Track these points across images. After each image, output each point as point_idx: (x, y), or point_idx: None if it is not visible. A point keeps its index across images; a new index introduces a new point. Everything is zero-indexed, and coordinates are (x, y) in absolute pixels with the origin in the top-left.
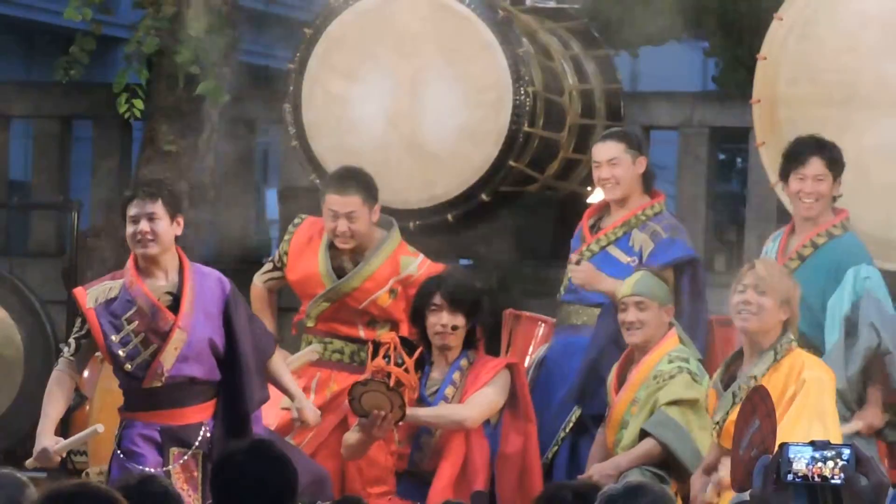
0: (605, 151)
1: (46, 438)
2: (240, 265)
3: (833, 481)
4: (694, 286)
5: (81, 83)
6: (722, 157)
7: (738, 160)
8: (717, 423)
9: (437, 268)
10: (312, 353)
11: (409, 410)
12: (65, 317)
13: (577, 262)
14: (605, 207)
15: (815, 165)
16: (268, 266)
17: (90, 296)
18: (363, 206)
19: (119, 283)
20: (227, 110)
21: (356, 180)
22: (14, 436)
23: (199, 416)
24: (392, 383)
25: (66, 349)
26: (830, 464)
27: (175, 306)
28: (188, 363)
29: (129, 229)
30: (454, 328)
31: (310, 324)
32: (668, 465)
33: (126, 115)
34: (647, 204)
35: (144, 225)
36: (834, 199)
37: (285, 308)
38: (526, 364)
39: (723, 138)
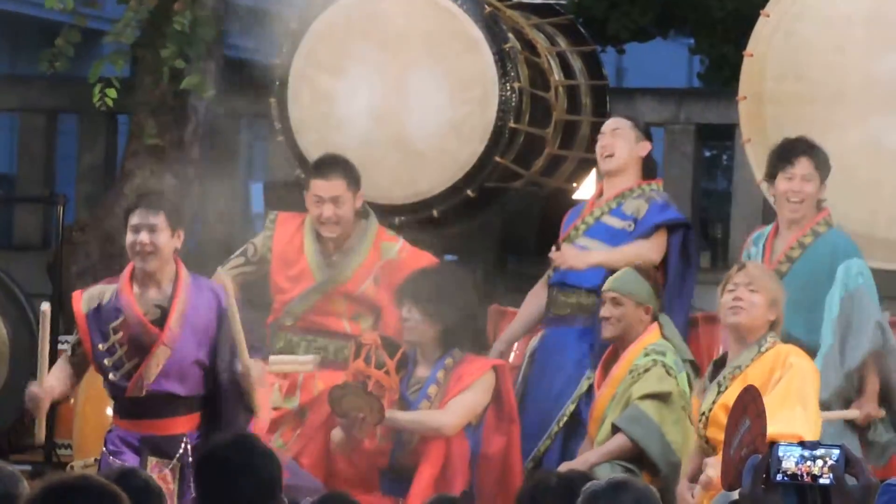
0: (612, 123)
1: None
2: (224, 259)
3: (822, 481)
4: (683, 249)
5: (67, 77)
6: (708, 153)
7: (724, 157)
8: (703, 413)
9: (418, 253)
10: (310, 365)
11: (388, 413)
12: (50, 311)
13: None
14: (601, 191)
15: (804, 165)
16: (238, 260)
17: (84, 300)
18: (347, 191)
19: (113, 288)
20: (212, 105)
21: (340, 166)
22: None
23: (181, 427)
24: (371, 386)
25: (66, 353)
26: (820, 463)
27: (163, 320)
28: (170, 380)
29: (129, 238)
30: (405, 320)
31: (289, 322)
32: (640, 459)
33: (98, 105)
34: (643, 182)
35: (145, 236)
36: (819, 202)
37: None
38: (511, 360)
39: (709, 135)
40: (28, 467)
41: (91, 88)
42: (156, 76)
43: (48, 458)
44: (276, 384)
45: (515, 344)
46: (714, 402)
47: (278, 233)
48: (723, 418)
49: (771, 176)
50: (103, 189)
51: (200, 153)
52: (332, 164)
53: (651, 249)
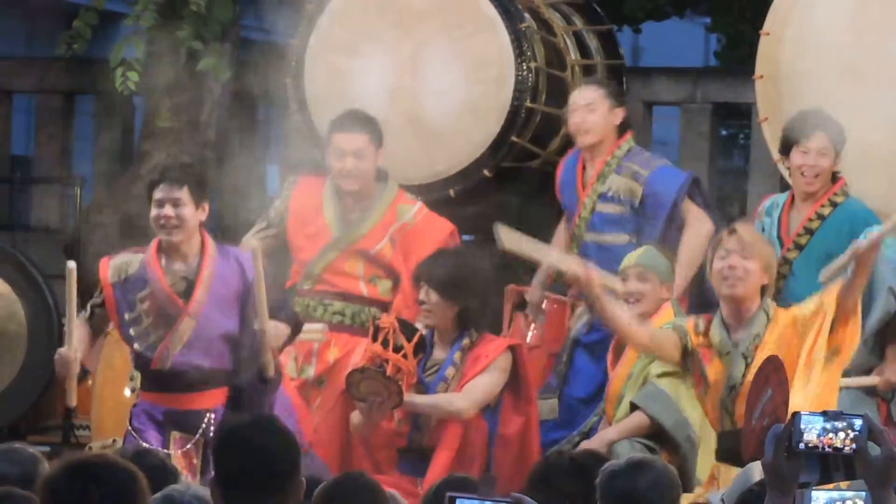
0: (583, 96)
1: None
2: (240, 240)
3: (844, 452)
4: (704, 200)
5: (84, 58)
6: (725, 132)
7: (741, 136)
8: (733, 386)
9: (433, 217)
10: (319, 335)
11: (407, 397)
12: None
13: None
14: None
15: (819, 140)
16: (261, 225)
17: (112, 269)
18: (369, 144)
19: (140, 258)
20: (228, 86)
21: (362, 120)
22: (17, 410)
23: (206, 402)
24: (390, 370)
25: (83, 312)
26: (842, 434)
27: (189, 292)
28: (194, 352)
29: (154, 212)
30: (422, 303)
31: (307, 285)
32: (659, 436)
33: (120, 89)
34: (613, 146)
35: (169, 210)
36: (833, 175)
37: None
38: (528, 340)
39: (726, 114)
40: (46, 448)
41: (108, 70)
42: (171, 57)
43: (66, 438)
44: (291, 353)
45: (533, 325)
46: (744, 376)
47: (296, 192)
48: None
49: (785, 149)
50: (120, 170)
51: (216, 134)
52: (355, 119)
53: (701, 224)
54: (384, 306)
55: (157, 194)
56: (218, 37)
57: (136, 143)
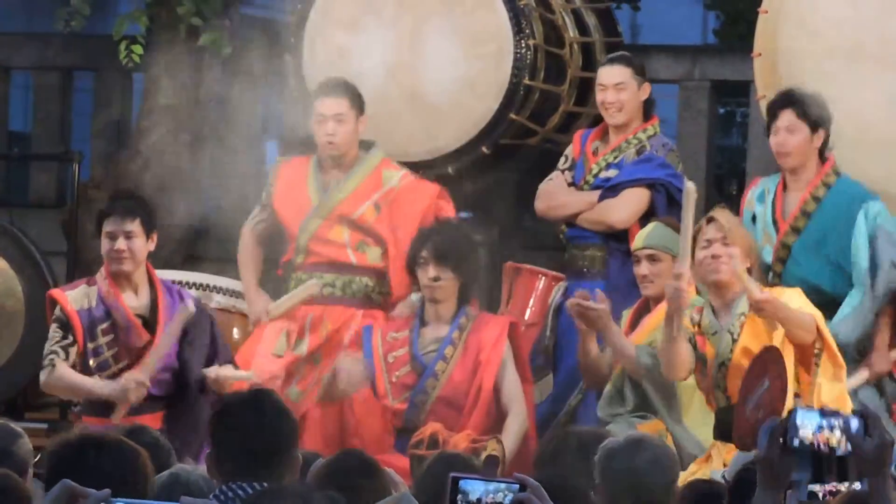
0: (613, 75)
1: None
2: (239, 217)
3: (839, 452)
4: (671, 204)
5: (82, 34)
6: (723, 110)
7: (739, 114)
8: (722, 363)
9: (417, 183)
10: (313, 287)
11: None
12: (65, 268)
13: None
14: (604, 132)
15: (786, 117)
16: (255, 210)
17: (71, 298)
18: (350, 109)
19: (94, 291)
20: (228, 62)
21: (343, 86)
22: (15, 386)
23: (151, 424)
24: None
25: (57, 358)
26: (837, 433)
27: (146, 324)
28: (151, 383)
29: (106, 245)
30: (436, 280)
31: (299, 259)
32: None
33: (125, 62)
34: (639, 127)
35: (122, 243)
36: (821, 152)
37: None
38: (526, 317)
39: (724, 92)
40: (44, 425)
41: (108, 46)
42: (171, 34)
43: (64, 415)
44: (283, 331)
45: (531, 300)
46: (732, 350)
47: (282, 171)
48: (744, 362)
49: (767, 134)
50: (118, 147)
51: (215, 111)
52: (336, 85)
53: (613, 210)
54: (376, 273)
55: (109, 227)
56: (218, 13)
57: (134, 120)
